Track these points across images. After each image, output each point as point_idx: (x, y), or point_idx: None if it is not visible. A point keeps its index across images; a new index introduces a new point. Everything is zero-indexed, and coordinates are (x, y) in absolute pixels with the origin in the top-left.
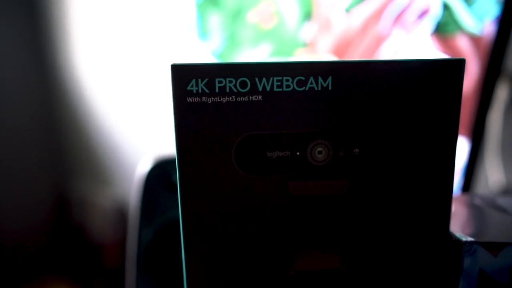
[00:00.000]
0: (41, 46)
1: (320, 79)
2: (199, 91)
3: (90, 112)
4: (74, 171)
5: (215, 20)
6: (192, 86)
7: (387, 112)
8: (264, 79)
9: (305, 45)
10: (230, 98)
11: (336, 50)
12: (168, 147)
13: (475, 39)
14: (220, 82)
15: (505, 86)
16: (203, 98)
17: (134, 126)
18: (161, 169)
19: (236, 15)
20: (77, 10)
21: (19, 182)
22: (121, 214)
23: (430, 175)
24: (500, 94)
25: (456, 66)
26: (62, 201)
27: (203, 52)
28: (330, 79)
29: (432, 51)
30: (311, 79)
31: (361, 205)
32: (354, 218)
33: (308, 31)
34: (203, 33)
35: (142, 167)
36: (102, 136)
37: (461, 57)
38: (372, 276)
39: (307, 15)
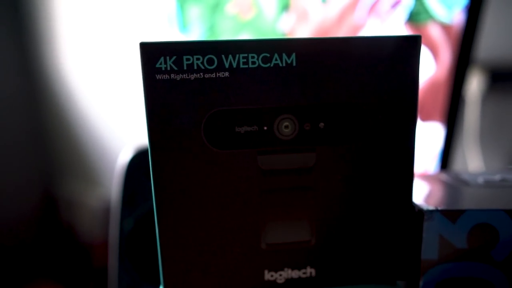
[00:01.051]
0: (26, 44)
1: (284, 56)
2: (167, 68)
3: (77, 111)
4: (62, 171)
5: (194, 12)
6: (160, 64)
7: (349, 86)
8: (230, 56)
9: (283, 35)
10: (198, 75)
11: None
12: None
13: (446, 28)
14: (188, 59)
15: (477, 73)
16: (172, 75)
17: (122, 125)
18: (141, 157)
19: (216, 7)
20: (61, 7)
21: (7, 182)
22: (109, 213)
23: (392, 148)
24: (473, 84)
25: (413, 41)
26: (50, 201)
27: None
28: (294, 55)
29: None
30: (276, 55)
31: (327, 177)
32: (321, 191)
33: (286, 21)
34: (183, 25)
35: (123, 156)
36: (89, 135)
37: (434, 44)
38: (339, 247)
39: (285, 6)
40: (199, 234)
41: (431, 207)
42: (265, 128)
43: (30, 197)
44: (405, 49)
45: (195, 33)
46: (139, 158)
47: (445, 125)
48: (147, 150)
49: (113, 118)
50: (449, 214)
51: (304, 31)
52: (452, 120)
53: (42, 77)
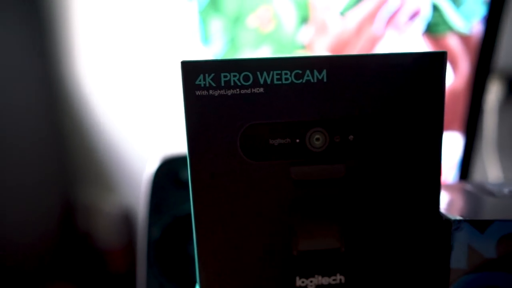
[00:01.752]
0: (45, 54)
1: (315, 72)
2: (206, 85)
3: (96, 120)
4: (80, 179)
5: (216, 25)
6: (200, 81)
7: (378, 101)
8: (265, 73)
9: (303, 47)
10: (235, 91)
11: (333, 51)
12: (173, 147)
13: (464, 38)
14: (225, 76)
15: (496, 82)
16: (210, 91)
17: (139, 134)
18: (168, 166)
19: (237, 20)
20: (81, 16)
21: (26, 190)
22: (126, 220)
23: (420, 160)
24: (492, 92)
25: (438, 58)
26: (68, 208)
27: (206, 56)
28: (324, 72)
29: (424, 50)
30: (308, 72)
31: (357, 188)
32: (351, 200)
33: (305, 33)
34: (205, 38)
35: (150, 166)
36: (107, 143)
37: (452, 55)
38: (368, 255)
39: (304, 19)
40: (234, 241)
41: (458, 217)
42: (297, 140)
43: (50, 205)
44: (431, 65)
45: (217, 46)
46: (165, 167)
47: (464, 135)
48: (173, 159)
49: (130, 127)
50: (477, 224)
51: (323, 43)
52: (472, 129)
53: (61, 85)
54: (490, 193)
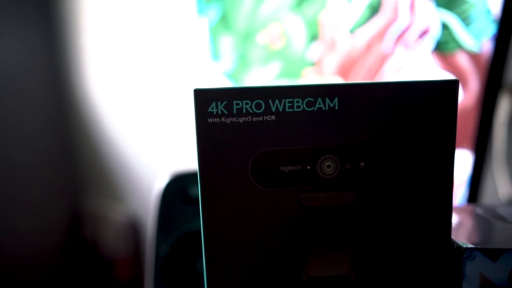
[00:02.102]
0: (56, 62)
1: (327, 100)
2: (218, 112)
3: (104, 130)
4: (88, 188)
5: (226, 42)
6: (212, 108)
7: (389, 129)
8: (277, 101)
9: (312, 64)
10: (247, 118)
11: (342, 69)
12: (182, 163)
13: (474, 56)
14: (237, 104)
15: (506, 99)
16: (222, 119)
17: (147, 144)
18: (177, 183)
19: (247, 37)
20: (92, 26)
21: (34, 198)
22: (133, 229)
23: (430, 188)
24: (502, 107)
25: (451, 86)
26: (76, 217)
27: (216, 72)
28: (336, 100)
29: (433, 68)
30: (319, 100)
31: (367, 214)
32: (361, 227)
33: (314, 51)
34: (215, 54)
35: (160, 182)
36: (116, 153)
37: (462, 73)
38: (378, 281)
39: (314, 36)
40: (244, 267)
41: (470, 245)
42: (308, 167)
43: (57, 213)
44: (444, 93)
45: (227, 62)
46: (175, 183)
47: (474, 152)
48: (182, 176)
49: (138, 137)
50: (489, 253)
51: (332, 60)
52: (482, 146)
53: (71, 95)
54: (502, 218)
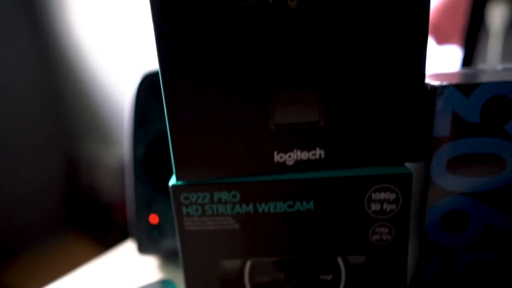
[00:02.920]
0: (37, 11)
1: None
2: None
3: (91, 75)
4: (82, 135)
5: None
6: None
7: None
8: None
9: None
10: None
11: None
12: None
13: None
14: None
15: (500, 5)
16: None
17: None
18: (150, 81)
19: None
20: None
21: (28, 148)
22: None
23: (405, 22)
24: (496, 13)
25: None
26: (72, 165)
27: None
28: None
29: None
30: None
31: (336, 50)
32: (329, 64)
33: None
34: None
35: (132, 82)
36: (105, 98)
37: None
38: (349, 127)
39: None
40: (208, 118)
41: (444, 83)
42: None
43: (52, 161)
44: None
45: None
46: (148, 81)
47: (463, 48)
48: (155, 74)
49: (128, 80)
50: (463, 88)
51: None
52: (472, 43)
53: (55, 42)
54: (483, 70)
